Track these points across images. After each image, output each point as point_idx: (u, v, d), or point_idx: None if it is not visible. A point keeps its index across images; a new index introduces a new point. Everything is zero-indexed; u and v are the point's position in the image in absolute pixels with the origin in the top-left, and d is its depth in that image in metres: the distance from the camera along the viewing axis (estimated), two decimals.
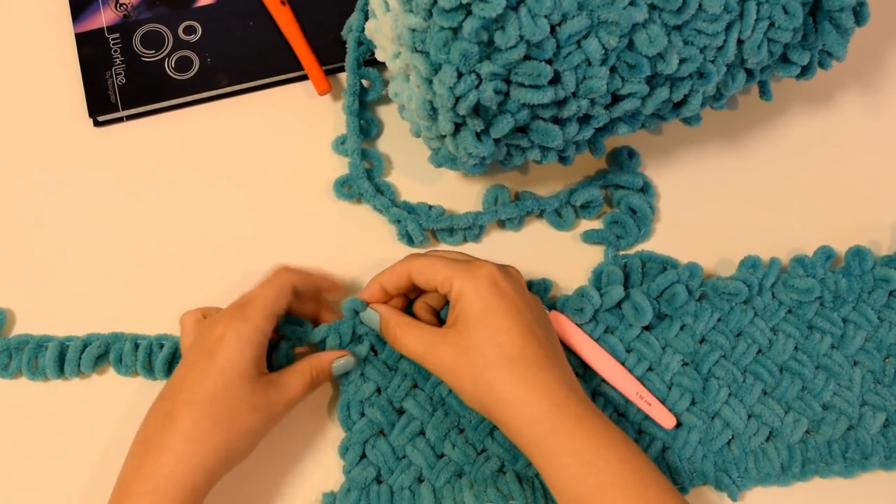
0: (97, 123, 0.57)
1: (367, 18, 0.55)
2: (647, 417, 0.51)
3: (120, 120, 0.57)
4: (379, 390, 0.50)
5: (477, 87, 0.42)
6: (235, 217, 0.56)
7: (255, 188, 0.56)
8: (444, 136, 0.47)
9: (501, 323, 0.45)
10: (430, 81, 0.42)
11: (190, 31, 0.58)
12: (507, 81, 0.42)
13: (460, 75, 0.41)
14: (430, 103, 0.44)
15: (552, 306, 0.52)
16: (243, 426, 0.44)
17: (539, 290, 0.53)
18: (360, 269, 0.54)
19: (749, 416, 0.51)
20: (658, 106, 0.46)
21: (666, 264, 0.53)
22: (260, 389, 0.45)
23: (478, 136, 0.45)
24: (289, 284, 0.48)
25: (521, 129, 0.46)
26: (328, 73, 0.57)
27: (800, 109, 0.59)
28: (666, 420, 0.51)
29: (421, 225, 0.54)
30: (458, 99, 0.42)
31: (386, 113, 0.58)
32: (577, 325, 0.52)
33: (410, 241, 0.54)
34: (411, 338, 0.47)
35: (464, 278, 0.46)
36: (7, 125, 0.57)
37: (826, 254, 0.54)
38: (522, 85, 0.42)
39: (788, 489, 0.51)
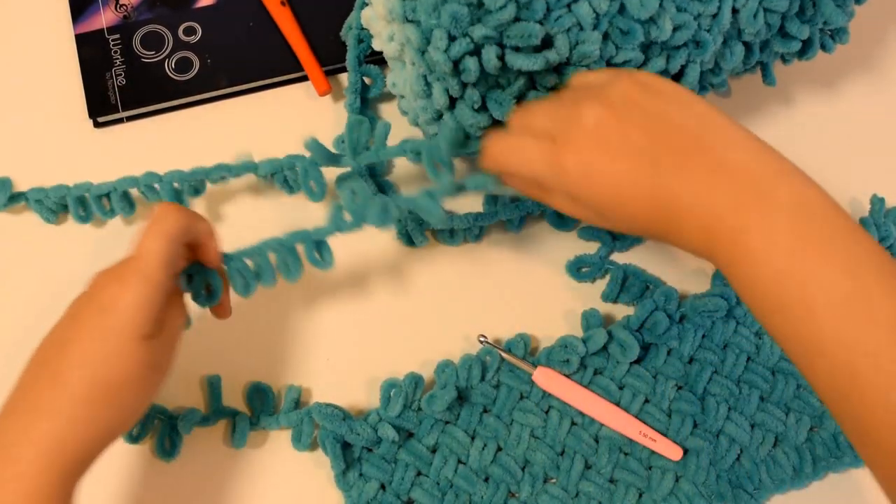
0: (97, 124, 0.57)
1: None
2: (654, 453, 0.51)
3: (120, 121, 0.57)
4: (383, 486, 0.50)
5: (475, 52, 0.41)
6: (236, 217, 0.56)
7: (255, 189, 0.56)
8: (441, 116, 0.46)
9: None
10: (423, 53, 0.42)
11: (190, 31, 0.58)
12: (502, 46, 0.42)
13: (453, 39, 0.41)
14: (425, 78, 0.44)
15: (537, 361, 0.52)
16: (143, 389, 0.41)
17: (518, 346, 0.52)
18: (361, 268, 0.54)
19: (752, 426, 0.51)
20: None
21: (648, 283, 0.53)
22: (150, 347, 0.41)
23: (475, 110, 0.45)
24: (179, 229, 0.42)
25: (518, 101, 0.46)
26: (328, 73, 0.57)
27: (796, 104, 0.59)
28: (672, 452, 0.50)
29: (421, 225, 0.53)
30: (456, 64, 0.42)
31: (387, 111, 0.58)
32: (565, 376, 0.51)
33: (410, 241, 0.54)
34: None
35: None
36: (7, 126, 0.57)
37: None
38: (516, 49, 0.42)
39: (807, 491, 0.51)
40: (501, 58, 0.42)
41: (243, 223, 0.55)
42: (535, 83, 0.44)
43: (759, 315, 0.37)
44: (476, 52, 0.42)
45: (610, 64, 0.44)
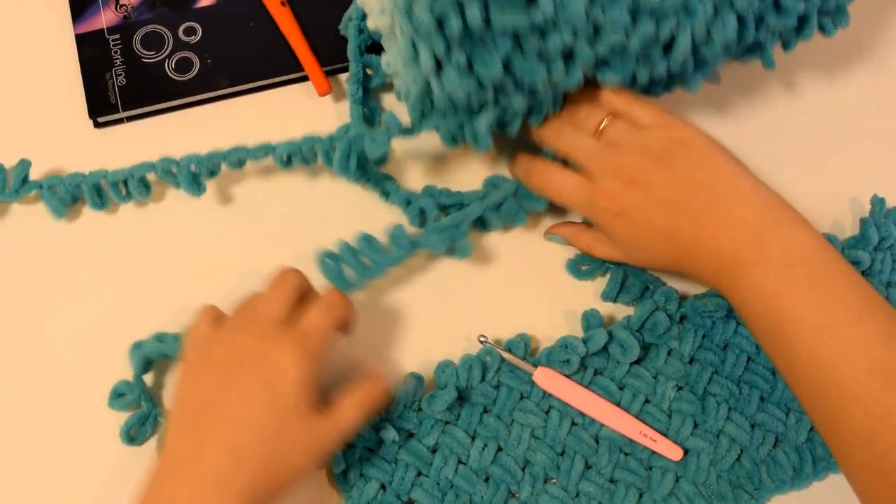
0: (97, 125, 0.57)
1: None
2: (654, 453, 0.50)
3: (120, 121, 0.57)
4: (384, 486, 0.49)
5: (459, 10, 0.41)
6: (237, 217, 0.56)
7: (255, 189, 0.56)
8: (430, 87, 0.46)
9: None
10: (410, 15, 0.42)
11: (190, 32, 0.58)
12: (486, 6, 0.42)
13: None
14: (413, 43, 0.44)
15: (537, 362, 0.51)
16: (297, 470, 0.43)
17: (518, 346, 0.52)
18: None
19: (752, 426, 0.51)
20: (645, 43, 0.45)
21: (648, 283, 0.53)
22: (313, 428, 0.43)
23: (462, 73, 0.45)
24: (344, 318, 0.48)
25: (505, 69, 0.45)
26: (328, 73, 0.57)
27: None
28: (673, 453, 0.50)
29: (434, 198, 0.53)
30: (440, 22, 0.42)
31: (388, 101, 0.58)
32: (566, 376, 0.51)
33: (422, 223, 0.54)
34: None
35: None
36: (7, 127, 0.57)
37: None
38: (500, 7, 0.41)
39: (807, 491, 0.51)
40: (487, 19, 0.42)
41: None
42: (521, 46, 0.44)
43: (756, 338, 0.46)
44: (460, 10, 0.41)
45: (597, 28, 0.44)
